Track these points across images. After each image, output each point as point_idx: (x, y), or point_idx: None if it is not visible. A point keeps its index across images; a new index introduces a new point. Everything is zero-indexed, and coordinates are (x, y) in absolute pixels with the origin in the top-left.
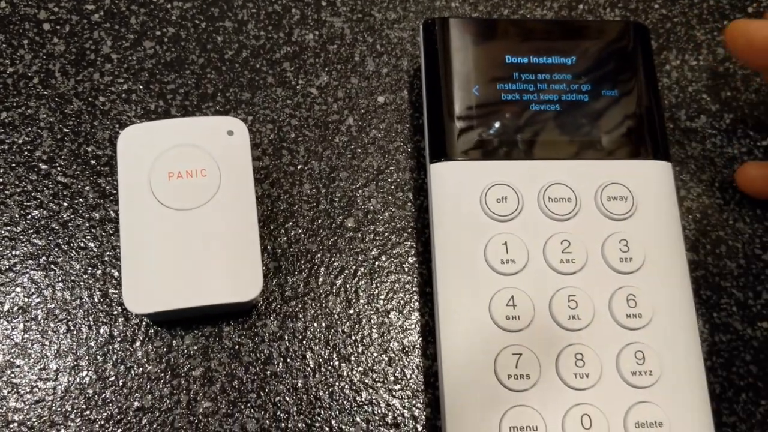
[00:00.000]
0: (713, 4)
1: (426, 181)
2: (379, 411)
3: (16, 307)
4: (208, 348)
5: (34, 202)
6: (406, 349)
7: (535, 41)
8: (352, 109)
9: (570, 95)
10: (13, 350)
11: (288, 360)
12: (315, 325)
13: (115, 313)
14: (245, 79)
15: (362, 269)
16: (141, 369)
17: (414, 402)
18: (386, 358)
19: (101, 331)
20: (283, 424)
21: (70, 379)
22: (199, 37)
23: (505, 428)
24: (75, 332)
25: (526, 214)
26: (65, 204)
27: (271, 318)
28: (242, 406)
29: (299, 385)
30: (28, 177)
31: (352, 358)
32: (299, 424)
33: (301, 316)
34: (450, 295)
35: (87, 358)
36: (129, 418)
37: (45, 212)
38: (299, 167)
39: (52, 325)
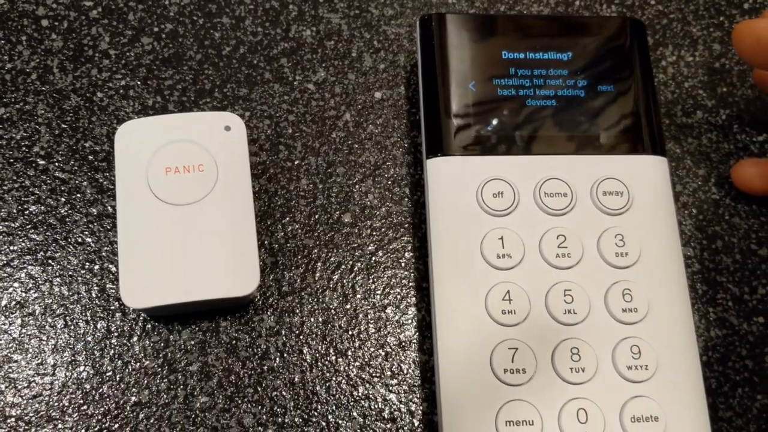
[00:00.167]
0: (709, 0)
1: (423, 177)
2: (376, 406)
3: (13, 302)
4: (205, 343)
5: (32, 197)
6: (403, 344)
7: (531, 37)
8: (349, 104)
9: (566, 91)
10: (10, 345)
11: (285, 355)
12: (312, 320)
13: (113, 308)
14: (242, 75)
15: (359, 264)
16: (138, 364)
17: (411, 397)
18: (383, 353)
19: (99, 326)
20: (280, 419)
21: (67, 374)
22: (196, 33)
23: (501, 422)
24: (72, 327)
25: (522, 208)
26: (63, 199)
27: (268, 313)
28: (239, 401)
29: (296, 379)
30: (26, 172)
31: (349, 353)
32: (296, 419)
33: (298, 311)
34: (446, 290)
35: (84, 353)
36: (126, 413)
37: (43, 207)
38: (296, 163)
39: (49, 320)
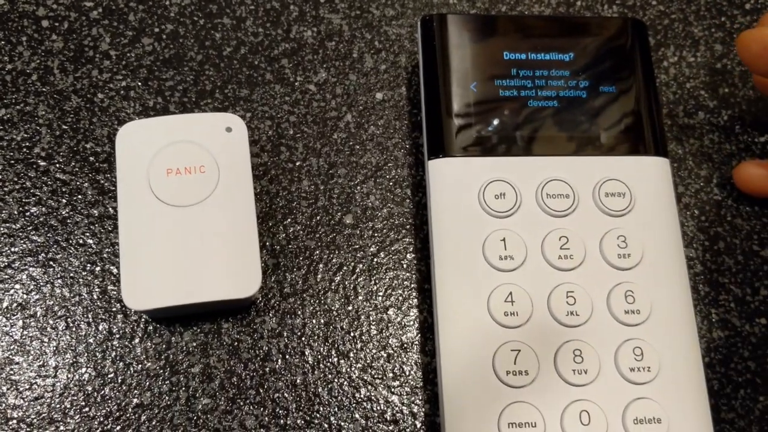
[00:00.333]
0: (711, 0)
1: (424, 178)
2: (378, 407)
3: (15, 304)
4: (207, 345)
5: (33, 198)
6: (405, 345)
7: (533, 38)
8: (350, 105)
9: (568, 91)
10: (12, 347)
11: (287, 356)
12: (314, 321)
13: (114, 309)
14: (243, 76)
15: (361, 266)
16: (140, 366)
17: (413, 398)
18: (385, 355)
19: (100, 327)
20: (282, 421)
21: (69, 375)
22: (197, 33)
23: (504, 424)
24: (74, 329)
25: (525, 210)
26: (64, 201)
27: (270, 314)
28: (241, 403)
29: (298, 381)
30: (27, 174)
31: (351, 355)
32: (298, 421)
33: (299, 312)
34: (448, 292)
35: (86, 354)
36: (128, 415)
37: (44, 209)
38: (298, 164)
39: (51, 321)
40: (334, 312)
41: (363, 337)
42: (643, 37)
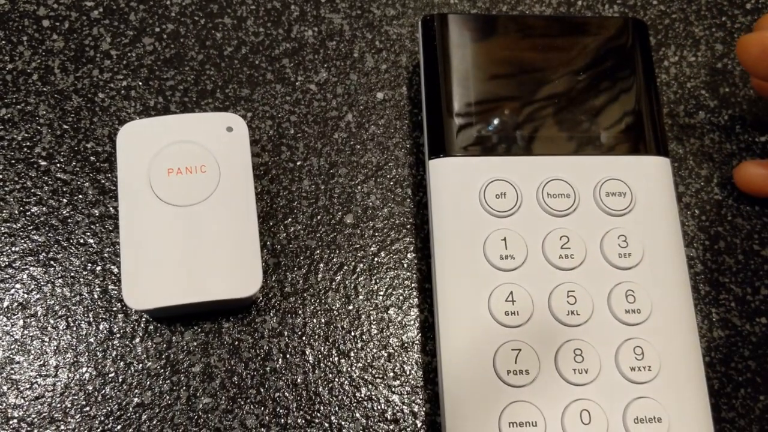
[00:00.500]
0: (711, 0)
1: (425, 177)
2: (379, 407)
3: (15, 304)
4: (207, 344)
5: (34, 198)
6: (406, 345)
7: (533, 37)
8: (351, 105)
9: (568, 91)
10: (12, 346)
11: (287, 356)
12: (314, 321)
13: (115, 309)
14: (244, 76)
15: (361, 265)
16: (141, 365)
17: (413, 398)
18: (385, 354)
19: (101, 327)
20: (282, 420)
21: (69, 375)
22: (198, 33)
23: (505, 424)
24: (74, 328)
25: (525, 209)
26: (65, 200)
27: (271, 314)
28: (242, 402)
29: (299, 381)
30: (28, 173)
31: (352, 354)
32: (299, 420)
33: (300, 312)
34: (449, 291)
35: (87, 354)
36: (129, 415)
37: (44, 208)
38: (298, 163)
39: (51, 321)
40: (335, 311)
41: (363, 337)
42: (644, 37)
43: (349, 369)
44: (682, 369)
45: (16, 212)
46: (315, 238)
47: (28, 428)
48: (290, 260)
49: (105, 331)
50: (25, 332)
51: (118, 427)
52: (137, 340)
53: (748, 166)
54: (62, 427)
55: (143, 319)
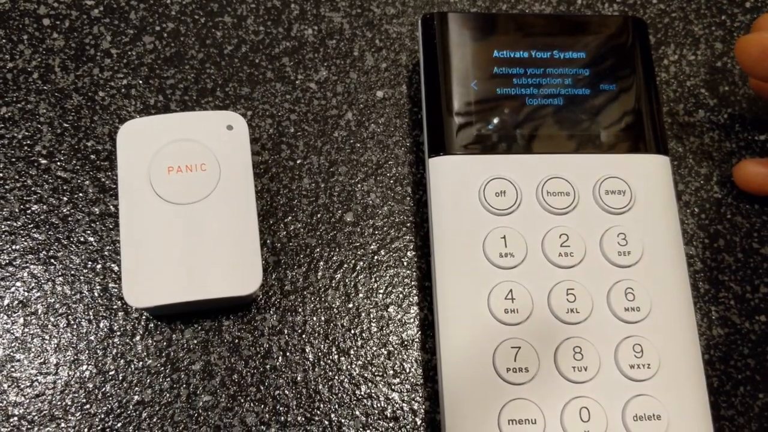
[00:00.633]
0: None
1: (425, 176)
2: (378, 404)
3: (16, 302)
4: (207, 342)
5: (34, 196)
6: (405, 342)
7: (533, 36)
8: (351, 103)
9: (568, 89)
10: (13, 344)
11: (287, 354)
12: (314, 319)
13: (115, 307)
14: (244, 74)
15: (361, 263)
16: (141, 363)
17: (413, 395)
18: (385, 352)
19: (101, 325)
20: (282, 418)
21: (70, 373)
22: (198, 32)
23: (504, 421)
24: (75, 326)
25: (525, 207)
26: (65, 198)
27: (271, 312)
28: (242, 400)
29: (299, 378)
30: (28, 172)
31: (352, 352)
32: (299, 418)
33: (300, 310)
34: (449, 289)
35: (87, 352)
36: (129, 412)
37: (45, 207)
38: (298, 162)
39: (52, 319)
40: (335, 309)
41: (363, 335)
42: (644, 36)
43: (348, 367)
44: (681, 367)
45: (17, 210)
46: (315, 237)
47: (29, 426)
48: (290, 258)
49: (105, 329)
50: (26, 330)
51: (119, 424)
52: (137, 337)
53: (748, 164)
54: (63, 425)
55: (143, 317)
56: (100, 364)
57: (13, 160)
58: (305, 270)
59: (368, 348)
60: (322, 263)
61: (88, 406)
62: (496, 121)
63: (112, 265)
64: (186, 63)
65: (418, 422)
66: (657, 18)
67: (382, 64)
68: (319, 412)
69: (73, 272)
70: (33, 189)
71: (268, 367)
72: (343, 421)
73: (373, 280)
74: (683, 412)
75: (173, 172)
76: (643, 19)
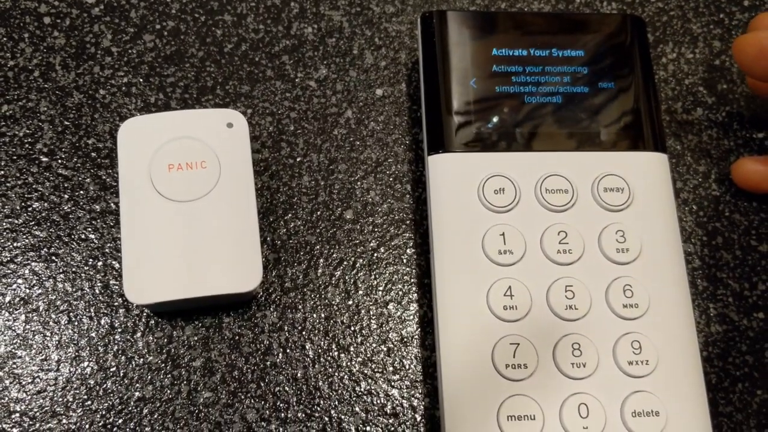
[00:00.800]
0: None
1: (424, 173)
2: (378, 401)
3: (17, 299)
4: (208, 339)
5: (35, 194)
6: (405, 339)
7: (532, 34)
8: (350, 101)
9: (567, 87)
10: (14, 341)
11: (287, 350)
12: (314, 316)
13: (116, 304)
14: (244, 72)
15: (361, 261)
16: (142, 359)
17: (413, 392)
18: (385, 349)
19: (102, 322)
20: (282, 414)
21: (71, 369)
22: (198, 30)
23: (503, 417)
24: (76, 323)
25: (524, 205)
26: (66, 196)
27: (271, 309)
28: (242, 396)
29: (299, 375)
30: (29, 169)
31: (351, 349)
32: (299, 414)
33: (300, 307)
34: (448, 286)
35: (88, 348)
36: (130, 408)
37: (46, 204)
38: (298, 159)
39: (53, 316)
40: (335, 306)
41: (363, 332)
42: (642, 34)
43: (348, 363)
44: (679, 363)
45: (18, 208)
46: (315, 234)
47: (31, 422)
48: (290, 255)
49: (106, 326)
50: (27, 327)
51: (120, 421)
52: (138, 334)
53: (746, 162)
54: (64, 421)
55: (144, 314)
56: (101, 361)
57: (15, 157)
58: (305, 267)
59: (368, 345)
60: (322, 260)
61: (89, 402)
62: (495, 119)
63: (113, 263)
64: (186, 61)
65: (418, 418)
66: (655, 16)
67: (382, 63)
68: (319, 409)
69: (74, 269)
70: (34, 186)
71: (268, 363)
72: (343, 417)
73: (373, 277)
74: (682, 408)
75: (174, 170)
76: (642, 17)
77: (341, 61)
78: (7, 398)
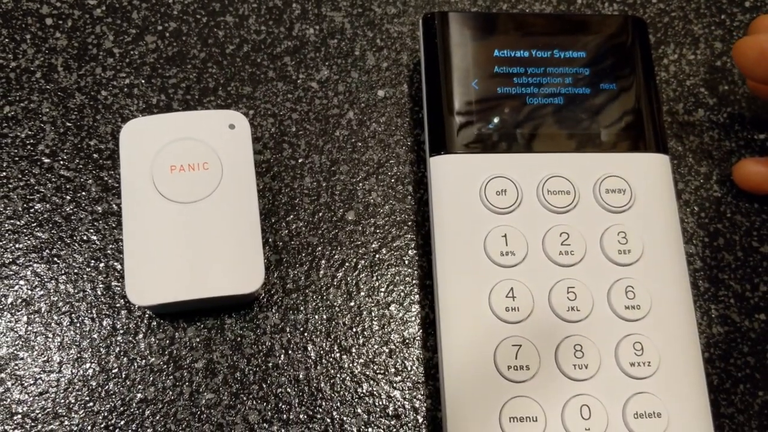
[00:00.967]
0: None
1: (426, 175)
2: (380, 402)
3: (19, 300)
4: (210, 340)
5: (37, 195)
6: (407, 341)
7: (533, 35)
8: (352, 103)
9: (568, 89)
10: (16, 342)
11: (289, 352)
12: (316, 317)
13: (118, 305)
14: (246, 74)
15: (363, 262)
16: (144, 361)
17: (414, 393)
18: (387, 350)
19: (104, 323)
20: (284, 416)
21: (73, 371)
22: (200, 31)
23: (505, 419)
24: (78, 324)
25: (526, 206)
26: (68, 197)
27: (273, 310)
28: (244, 398)
29: (301, 376)
30: (31, 171)
31: (353, 350)
32: (301, 416)
33: (302, 308)
34: (450, 288)
35: (90, 350)
36: (132, 410)
37: (48, 205)
38: (300, 161)
39: (55, 317)
40: (337, 308)
41: (365, 333)
42: (644, 35)
43: (350, 365)
44: (681, 365)
45: (20, 209)
46: (317, 235)
47: (32, 423)
48: (292, 257)
49: (108, 327)
50: (29, 328)
51: (122, 422)
52: (140, 336)
53: (747, 163)
54: (66, 423)
55: (146, 316)
56: (103, 362)
57: (17, 159)
58: (307, 268)
59: (370, 346)
60: (323, 262)
61: (91, 403)
62: (496, 120)
63: (115, 264)
64: (188, 62)
65: (420, 420)
66: (657, 17)
67: (384, 64)
68: (321, 410)
69: (76, 271)
70: (36, 188)
71: (270, 365)
72: (345, 419)
73: (375, 278)
74: (683, 409)
75: (176, 171)
76: (643, 18)
77: (343, 62)
78: (9, 400)
